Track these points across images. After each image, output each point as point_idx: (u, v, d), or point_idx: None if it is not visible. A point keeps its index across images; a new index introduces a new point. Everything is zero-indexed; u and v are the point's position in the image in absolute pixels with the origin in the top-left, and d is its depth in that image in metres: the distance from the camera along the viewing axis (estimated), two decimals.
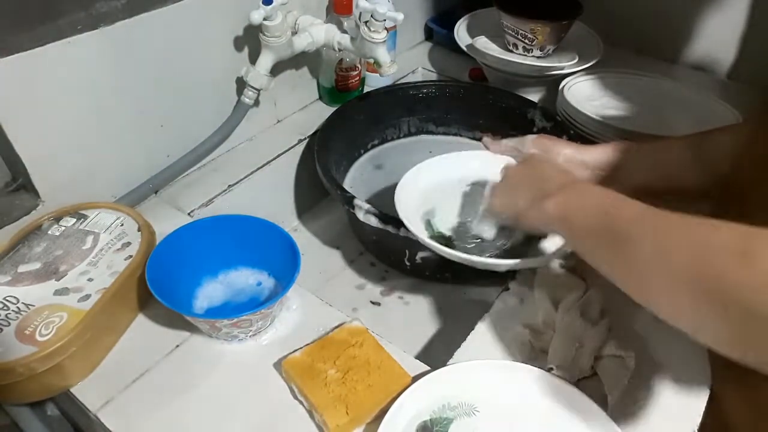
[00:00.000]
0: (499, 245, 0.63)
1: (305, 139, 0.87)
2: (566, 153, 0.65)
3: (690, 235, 0.37)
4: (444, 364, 0.52)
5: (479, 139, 0.92)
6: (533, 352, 0.55)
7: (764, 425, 0.52)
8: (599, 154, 0.64)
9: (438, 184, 0.67)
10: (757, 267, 0.32)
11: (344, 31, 0.80)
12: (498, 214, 0.60)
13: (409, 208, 0.62)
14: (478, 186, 0.67)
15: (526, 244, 0.63)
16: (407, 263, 0.75)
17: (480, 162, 0.68)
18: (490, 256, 0.61)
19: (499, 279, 0.63)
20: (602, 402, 0.50)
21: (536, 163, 0.60)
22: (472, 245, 0.63)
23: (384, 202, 0.63)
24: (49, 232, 0.59)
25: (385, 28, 0.74)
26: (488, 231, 0.62)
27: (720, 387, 0.54)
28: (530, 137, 0.68)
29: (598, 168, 0.64)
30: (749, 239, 0.34)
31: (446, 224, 0.65)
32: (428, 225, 0.64)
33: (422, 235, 0.59)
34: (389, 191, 0.82)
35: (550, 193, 0.51)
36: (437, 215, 0.65)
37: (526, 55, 0.91)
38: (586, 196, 0.48)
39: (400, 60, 0.91)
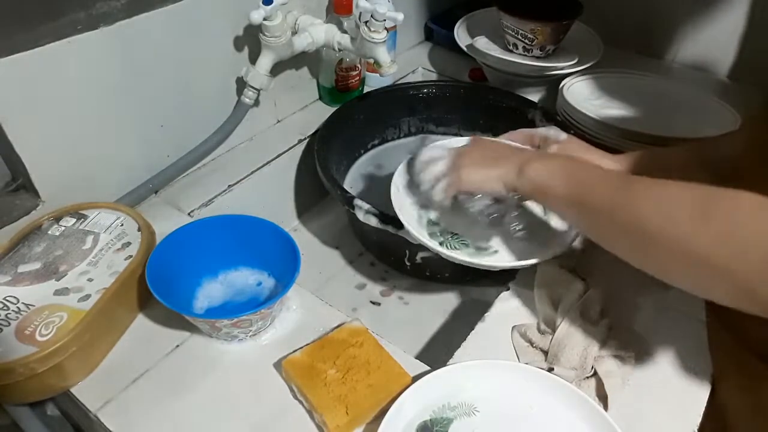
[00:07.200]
0: (489, 215, 0.60)
1: (305, 139, 0.87)
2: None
3: (659, 200, 0.42)
4: (444, 364, 0.52)
5: None
6: (533, 352, 0.55)
7: (764, 426, 0.52)
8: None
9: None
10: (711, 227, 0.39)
11: (344, 31, 0.80)
12: (474, 190, 0.57)
13: (405, 201, 0.63)
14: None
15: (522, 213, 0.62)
16: (407, 263, 0.75)
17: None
18: (490, 251, 0.61)
19: (499, 279, 0.63)
20: (602, 402, 0.50)
21: (488, 142, 0.63)
22: (470, 228, 0.62)
23: (384, 202, 0.63)
24: (49, 232, 0.59)
25: (385, 28, 0.74)
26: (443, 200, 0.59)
27: (720, 387, 0.54)
28: (555, 135, 0.65)
29: None
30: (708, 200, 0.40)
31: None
32: (420, 216, 0.64)
33: (417, 233, 0.59)
34: (389, 191, 0.82)
35: (525, 161, 0.54)
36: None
37: (526, 55, 0.91)
38: (558, 165, 0.52)
39: (400, 60, 0.91)
